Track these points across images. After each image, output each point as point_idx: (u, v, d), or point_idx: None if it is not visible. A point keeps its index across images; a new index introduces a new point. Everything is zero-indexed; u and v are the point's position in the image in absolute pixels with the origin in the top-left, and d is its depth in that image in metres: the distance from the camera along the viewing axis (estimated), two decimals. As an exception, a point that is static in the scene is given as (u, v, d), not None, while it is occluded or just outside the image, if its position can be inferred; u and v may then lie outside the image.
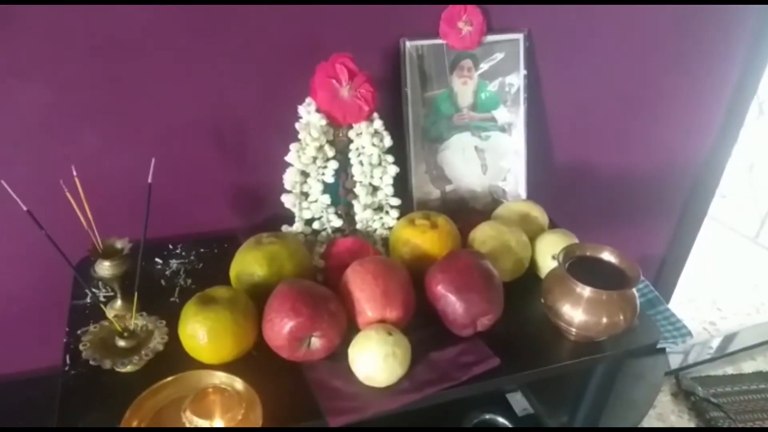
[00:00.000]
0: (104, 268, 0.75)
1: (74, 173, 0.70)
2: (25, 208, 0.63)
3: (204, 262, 0.90)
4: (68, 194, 0.69)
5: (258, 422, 0.63)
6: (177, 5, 0.78)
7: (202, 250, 0.93)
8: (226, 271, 0.80)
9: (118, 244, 0.77)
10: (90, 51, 0.78)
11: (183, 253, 0.92)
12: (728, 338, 1.85)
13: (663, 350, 1.16)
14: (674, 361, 1.72)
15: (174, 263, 0.90)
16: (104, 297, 0.82)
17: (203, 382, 0.67)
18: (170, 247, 0.93)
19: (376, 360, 0.68)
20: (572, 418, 0.97)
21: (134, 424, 0.63)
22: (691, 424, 1.57)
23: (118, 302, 0.79)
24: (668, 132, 1.27)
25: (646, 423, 1.56)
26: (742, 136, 1.36)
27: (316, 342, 0.70)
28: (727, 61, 1.21)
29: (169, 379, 0.66)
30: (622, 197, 1.33)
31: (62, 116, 0.82)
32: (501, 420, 1.10)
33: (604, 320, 0.74)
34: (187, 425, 0.62)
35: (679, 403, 1.62)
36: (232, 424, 0.62)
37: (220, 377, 0.67)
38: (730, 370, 1.74)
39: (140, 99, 0.84)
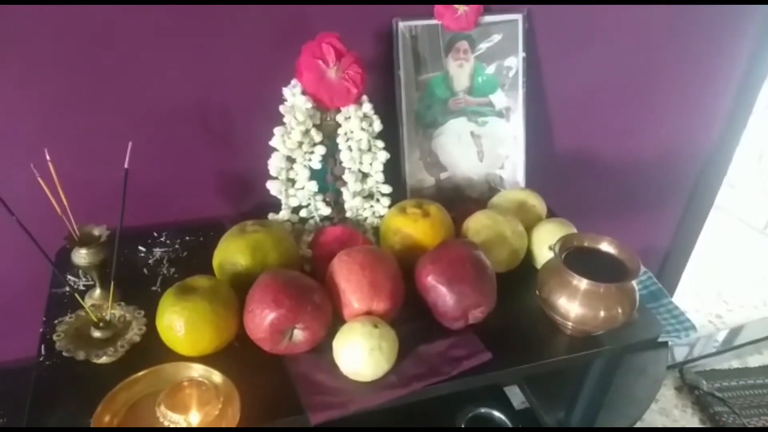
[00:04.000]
0: (81, 256, 0.72)
1: (47, 158, 0.67)
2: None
3: (188, 251, 0.88)
4: (40, 179, 0.66)
5: (236, 417, 0.60)
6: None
7: (187, 238, 0.90)
8: (210, 260, 0.78)
9: (96, 231, 0.74)
10: (65, 33, 0.75)
11: (167, 241, 0.89)
12: (734, 331, 1.81)
13: (665, 344, 1.13)
14: (679, 355, 1.70)
15: (158, 251, 0.87)
16: (84, 286, 0.80)
17: (179, 375, 0.64)
18: (154, 234, 0.90)
19: (360, 353, 0.65)
20: (570, 412, 0.94)
21: (107, 419, 0.60)
22: (695, 419, 1.54)
23: (97, 291, 0.76)
24: (674, 119, 1.23)
25: (648, 417, 1.53)
26: (751, 124, 1.32)
27: (298, 334, 0.67)
28: (737, 46, 1.17)
29: (144, 372, 0.64)
30: (626, 186, 1.29)
31: (36, 100, 0.79)
32: (496, 414, 1.07)
33: (602, 314, 0.71)
34: (162, 420, 0.59)
35: (682, 397, 1.59)
36: (208, 419, 0.60)
37: (198, 370, 0.65)
38: (735, 364, 1.70)
39: (120, 82, 0.81)
